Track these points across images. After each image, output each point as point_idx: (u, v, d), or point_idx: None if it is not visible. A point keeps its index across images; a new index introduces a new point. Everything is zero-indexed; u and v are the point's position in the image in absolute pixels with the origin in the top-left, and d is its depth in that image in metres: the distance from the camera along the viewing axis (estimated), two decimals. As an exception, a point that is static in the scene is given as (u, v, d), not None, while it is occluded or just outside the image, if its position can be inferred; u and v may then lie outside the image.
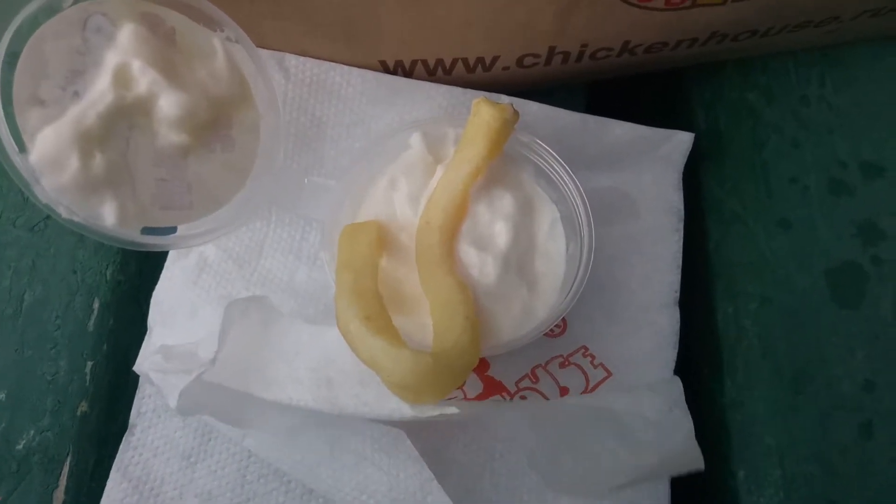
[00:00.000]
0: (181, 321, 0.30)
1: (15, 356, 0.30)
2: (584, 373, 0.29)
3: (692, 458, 0.24)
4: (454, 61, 0.30)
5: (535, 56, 0.30)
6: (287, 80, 0.31)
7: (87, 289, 0.32)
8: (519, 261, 0.28)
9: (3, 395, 0.30)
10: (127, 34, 0.24)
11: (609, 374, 0.29)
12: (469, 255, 0.27)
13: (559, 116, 0.32)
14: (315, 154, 0.32)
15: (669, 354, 0.31)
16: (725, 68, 0.36)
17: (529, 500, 0.25)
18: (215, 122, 0.27)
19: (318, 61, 0.30)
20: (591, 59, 0.31)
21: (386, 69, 0.31)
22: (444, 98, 0.31)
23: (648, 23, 0.29)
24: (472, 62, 0.30)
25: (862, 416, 0.28)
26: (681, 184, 0.33)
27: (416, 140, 0.29)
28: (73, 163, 0.23)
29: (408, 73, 0.31)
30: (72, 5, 0.23)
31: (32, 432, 0.29)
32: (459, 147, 0.27)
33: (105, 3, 0.24)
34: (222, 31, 0.27)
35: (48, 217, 0.30)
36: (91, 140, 0.23)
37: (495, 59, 0.30)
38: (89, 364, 0.31)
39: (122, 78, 0.24)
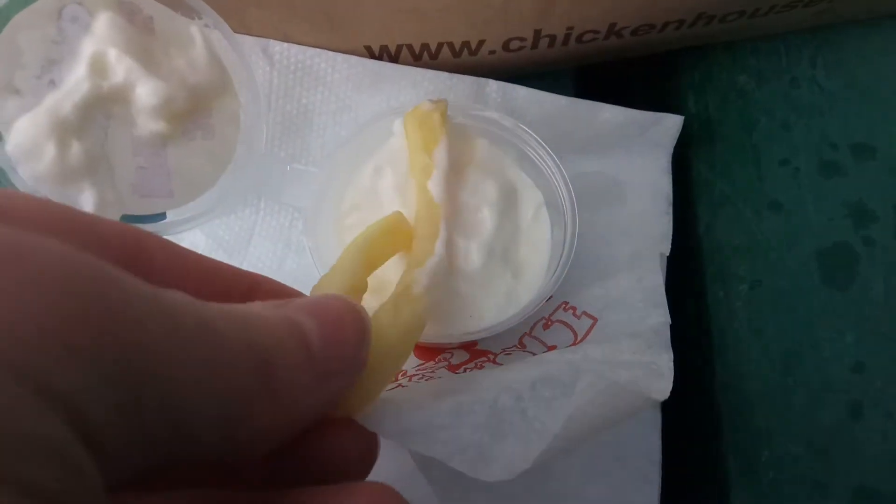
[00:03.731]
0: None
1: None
2: (569, 326, 0.28)
3: (658, 389, 0.22)
4: (439, 46, 0.30)
5: (521, 40, 0.30)
6: (272, 67, 0.30)
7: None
8: (503, 247, 0.28)
9: None
10: (103, 23, 0.24)
11: (594, 319, 0.28)
12: (454, 242, 0.27)
13: (547, 101, 0.32)
14: (302, 141, 0.32)
15: (659, 300, 0.29)
16: (715, 51, 0.35)
17: (515, 483, 0.25)
18: (195, 110, 0.26)
19: (302, 47, 0.30)
20: (577, 43, 0.31)
21: (371, 55, 0.31)
22: (430, 84, 0.31)
23: (634, 4, 0.29)
24: (457, 46, 0.30)
25: (851, 397, 0.28)
26: (670, 167, 0.33)
27: (398, 127, 0.29)
28: (50, 151, 0.23)
29: (393, 59, 0.31)
30: None
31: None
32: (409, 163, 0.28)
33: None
34: (200, 18, 0.27)
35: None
36: (68, 129, 0.23)
37: (481, 43, 0.30)
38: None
39: (98, 67, 0.24)
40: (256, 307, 0.14)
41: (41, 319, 0.10)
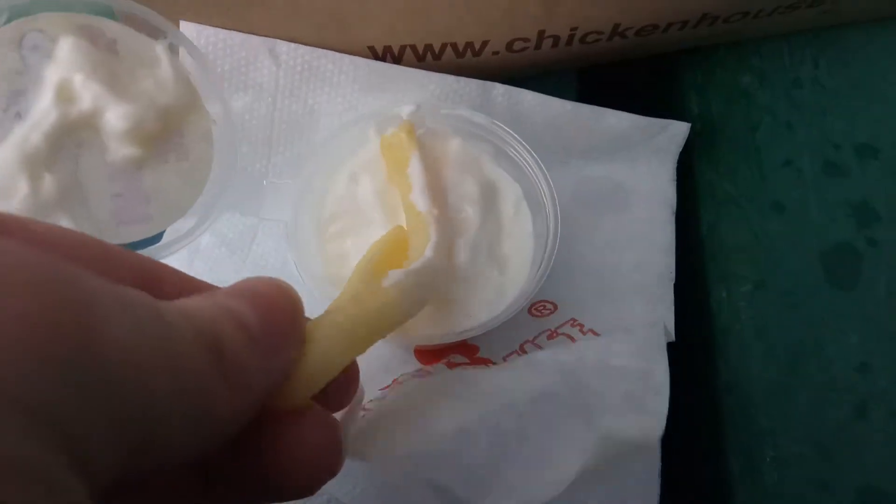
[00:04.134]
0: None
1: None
2: (572, 339, 0.29)
3: (656, 413, 0.22)
4: (443, 46, 0.30)
5: (525, 40, 0.30)
6: (278, 67, 0.31)
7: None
8: (488, 243, 0.28)
9: None
10: (66, 49, 0.23)
11: (598, 336, 0.29)
12: (442, 243, 0.27)
13: (553, 105, 0.32)
14: (308, 144, 0.32)
15: (666, 314, 0.30)
16: (718, 51, 0.35)
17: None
18: (166, 131, 0.26)
19: (309, 48, 0.30)
20: (581, 44, 0.31)
21: (375, 55, 0.31)
22: (437, 86, 0.31)
23: (638, 5, 0.29)
24: (461, 47, 0.30)
25: (856, 397, 0.28)
26: (675, 175, 0.33)
27: (373, 134, 0.29)
28: (23, 187, 0.22)
29: (397, 59, 0.31)
30: (4, 24, 0.23)
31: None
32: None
33: (40, 19, 0.23)
34: (165, 37, 0.26)
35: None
36: (38, 161, 0.22)
37: (485, 43, 0.30)
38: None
39: (64, 94, 0.23)
40: (194, 300, 0.15)
41: (12, 330, 0.09)
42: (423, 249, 0.25)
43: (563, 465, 0.21)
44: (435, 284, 0.25)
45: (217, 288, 0.16)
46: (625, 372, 0.23)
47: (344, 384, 0.19)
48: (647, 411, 0.22)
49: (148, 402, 0.11)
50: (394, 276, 0.22)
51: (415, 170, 0.28)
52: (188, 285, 0.17)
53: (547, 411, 0.22)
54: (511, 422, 0.21)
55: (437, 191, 0.28)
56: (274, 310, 0.15)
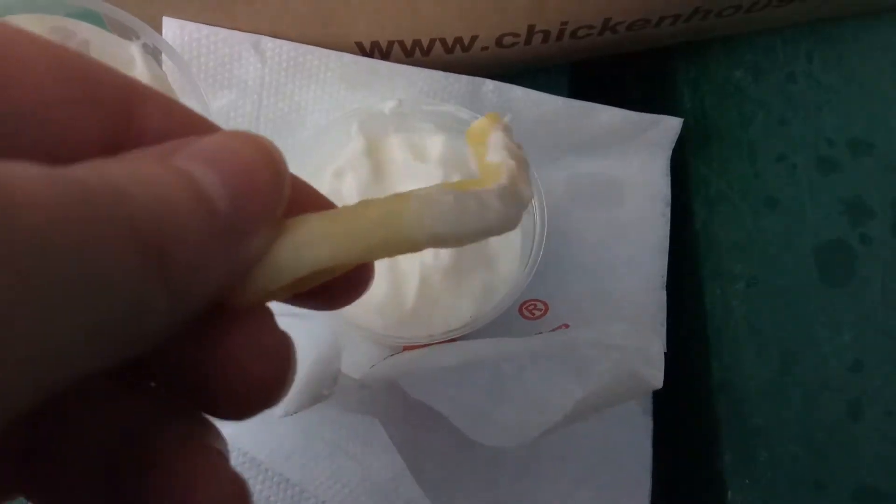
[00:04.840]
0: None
1: None
2: None
3: (651, 377, 0.22)
4: (431, 42, 0.30)
5: (515, 35, 0.30)
6: (263, 64, 0.30)
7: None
8: None
9: None
10: None
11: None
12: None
13: (544, 101, 0.31)
14: (294, 140, 0.31)
15: (657, 330, 0.30)
16: (711, 46, 0.35)
17: (505, 486, 0.25)
18: None
19: (294, 44, 0.30)
20: (572, 38, 0.31)
21: (362, 51, 0.30)
22: (426, 83, 0.31)
23: (629, -1, 0.28)
24: (449, 42, 0.30)
25: (849, 395, 0.28)
26: (668, 169, 0.33)
27: (356, 131, 0.29)
28: None
29: (384, 55, 0.30)
30: None
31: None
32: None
33: (11, 20, 0.23)
34: (139, 38, 0.26)
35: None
36: None
37: (473, 38, 0.30)
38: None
39: None
40: (138, 163, 0.11)
41: None
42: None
43: (551, 411, 0.21)
44: (481, 227, 0.20)
45: (201, 134, 0.13)
46: (619, 348, 0.23)
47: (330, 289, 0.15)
48: (639, 377, 0.22)
49: (59, 303, 0.09)
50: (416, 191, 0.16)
51: (496, 137, 0.27)
52: (175, 117, 0.14)
53: (543, 367, 0.22)
54: (511, 369, 0.22)
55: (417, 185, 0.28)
56: (251, 180, 0.12)
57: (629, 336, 0.23)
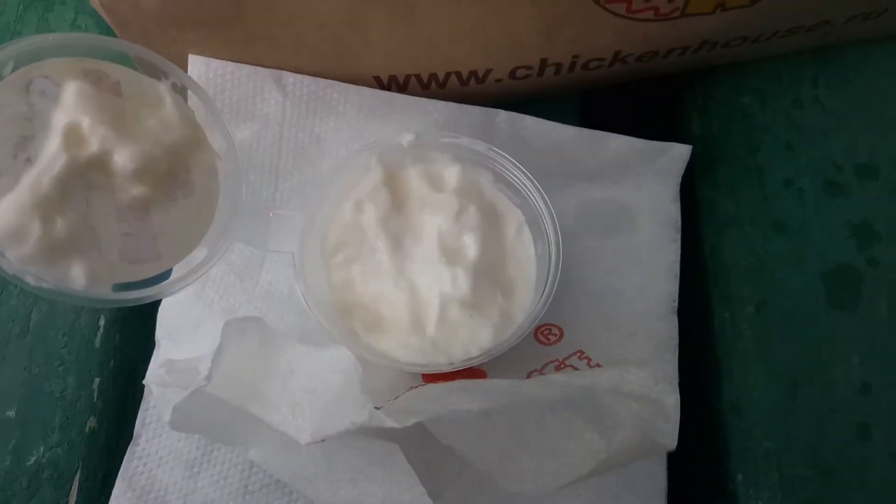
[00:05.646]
0: (187, 335, 0.31)
1: (24, 374, 0.31)
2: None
3: (666, 435, 0.23)
4: (447, 75, 0.31)
5: (528, 68, 0.31)
6: (285, 98, 0.31)
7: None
8: (490, 269, 0.29)
9: (13, 413, 0.31)
10: (72, 93, 0.24)
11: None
12: (440, 270, 0.27)
13: (555, 130, 0.32)
14: (313, 170, 0.32)
15: (669, 356, 0.31)
16: (718, 72, 0.36)
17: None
18: (172, 169, 0.26)
19: (315, 79, 0.31)
20: (583, 70, 0.32)
21: (381, 84, 0.31)
22: (440, 114, 0.32)
23: (638, 33, 0.29)
24: (465, 76, 0.31)
25: (859, 418, 0.29)
26: (678, 196, 0.34)
27: (375, 163, 0.30)
28: (35, 230, 0.22)
29: (402, 88, 0.31)
30: (11, 72, 0.23)
31: (42, 448, 0.30)
32: None
33: (46, 65, 0.24)
34: (167, 78, 0.27)
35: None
36: (50, 205, 0.23)
37: (488, 72, 0.31)
38: (97, 380, 0.31)
39: (72, 138, 0.24)
40: None
41: None
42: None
43: (576, 463, 0.22)
44: None
45: None
46: (638, 398, 0.24)
47: None
48: (658, 433, 0.22)
49: None
50: None
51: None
52: None
53: (565, 415, 0.23)
54: (532, 415, 0.22)
55: (433, 215, 0.29)
56: None
57: (646, 383, 0.24)
